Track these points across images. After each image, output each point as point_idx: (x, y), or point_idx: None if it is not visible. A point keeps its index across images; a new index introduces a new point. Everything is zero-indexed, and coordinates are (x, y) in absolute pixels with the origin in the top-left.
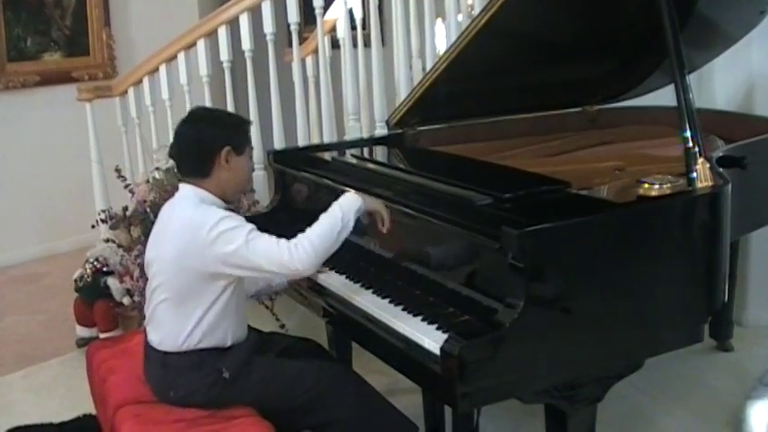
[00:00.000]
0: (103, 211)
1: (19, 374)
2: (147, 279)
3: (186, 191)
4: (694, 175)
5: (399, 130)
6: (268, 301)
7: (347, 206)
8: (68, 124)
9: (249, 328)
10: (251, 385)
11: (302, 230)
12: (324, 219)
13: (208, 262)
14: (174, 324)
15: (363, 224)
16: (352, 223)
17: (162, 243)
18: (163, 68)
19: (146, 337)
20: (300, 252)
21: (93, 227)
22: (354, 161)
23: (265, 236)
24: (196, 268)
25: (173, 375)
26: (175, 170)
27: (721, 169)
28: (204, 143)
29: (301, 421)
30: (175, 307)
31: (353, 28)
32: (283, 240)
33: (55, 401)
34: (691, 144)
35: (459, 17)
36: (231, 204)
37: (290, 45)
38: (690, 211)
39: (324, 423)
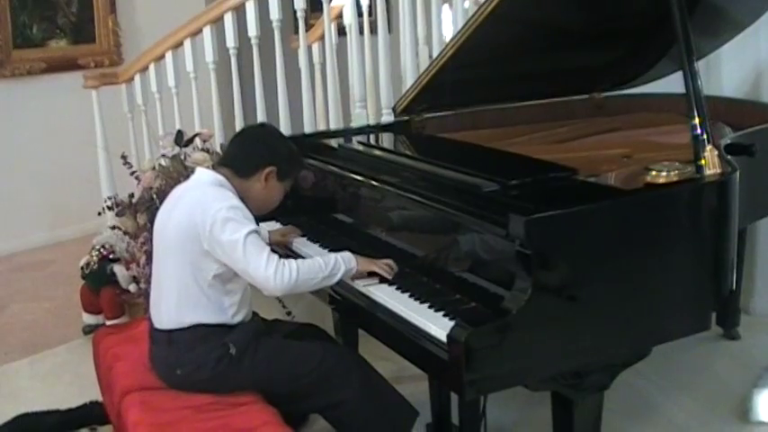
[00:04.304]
0: (110, 198)
1: (26, 361)
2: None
3: (206, 175)
4: (702, 162)
5: (406, 117)
6: None
7: (343, 263)
8: (74, 111)
9: (253, 313)
10: (257, 364)
11: (308, 218)
12: (318, 261)
13: (206, 236)
14: (180, 299)
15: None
16: (337, 279)
17: (174, 215)
18: (169, 55)
19: (150, 322)
20: (285, 274)
21: (99, 214)
22: (361, 148)
23: (261, 243)
24: (199, 240)
25: (179, 351)
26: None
27: (729, 157)
28: (260, 150)
29: (306, 404)
30: (181, 281)
31: (360, 14)
32: (275, 256)
33: (61, 388)
34: (699, 131)
35: (466, 3)
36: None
37: (297, 32)
38: (698, 198)
39: (328, 405)
